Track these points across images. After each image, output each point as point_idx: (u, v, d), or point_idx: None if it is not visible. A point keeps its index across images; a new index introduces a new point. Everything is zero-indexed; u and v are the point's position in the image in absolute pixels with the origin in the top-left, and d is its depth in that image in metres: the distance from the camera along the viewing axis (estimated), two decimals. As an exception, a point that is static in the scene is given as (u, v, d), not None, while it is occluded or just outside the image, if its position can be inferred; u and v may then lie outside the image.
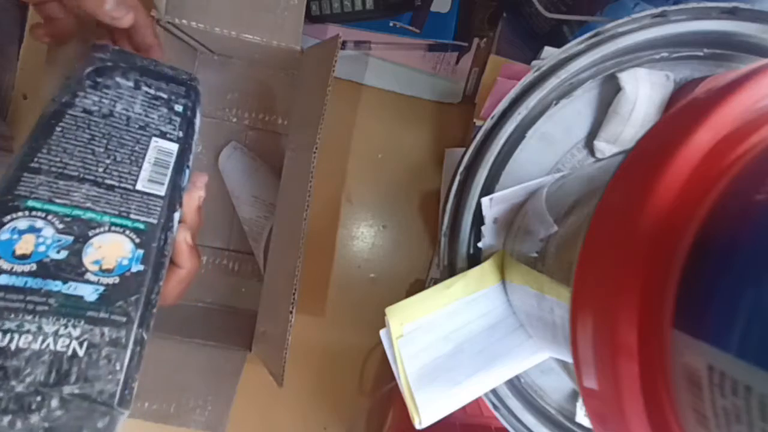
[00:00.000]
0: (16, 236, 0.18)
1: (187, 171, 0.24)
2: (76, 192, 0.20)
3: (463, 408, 0.26)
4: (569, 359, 0.21)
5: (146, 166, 0.22)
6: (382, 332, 0.26)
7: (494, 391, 0.29)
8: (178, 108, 0.25)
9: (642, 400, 0.12)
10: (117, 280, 0.19)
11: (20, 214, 0.19)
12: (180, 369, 0.42)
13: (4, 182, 0.19)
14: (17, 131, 0.48)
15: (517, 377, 0.29)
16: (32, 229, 0.19)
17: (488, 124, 0.29)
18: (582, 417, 0.29)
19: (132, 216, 0.21)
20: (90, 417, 0.17)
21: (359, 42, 0.49)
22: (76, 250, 0.19)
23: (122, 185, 0.21)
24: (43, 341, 0.17)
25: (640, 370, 0.12)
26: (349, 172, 0.52)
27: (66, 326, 0.18)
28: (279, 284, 0.39)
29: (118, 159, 0.22)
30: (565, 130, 0.30)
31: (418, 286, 0.52)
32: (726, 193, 0.12)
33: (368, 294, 0.52)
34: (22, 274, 0.18)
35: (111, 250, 0.20)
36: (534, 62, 0.33)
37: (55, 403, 0.17)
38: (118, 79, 0.24)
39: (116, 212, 0.21)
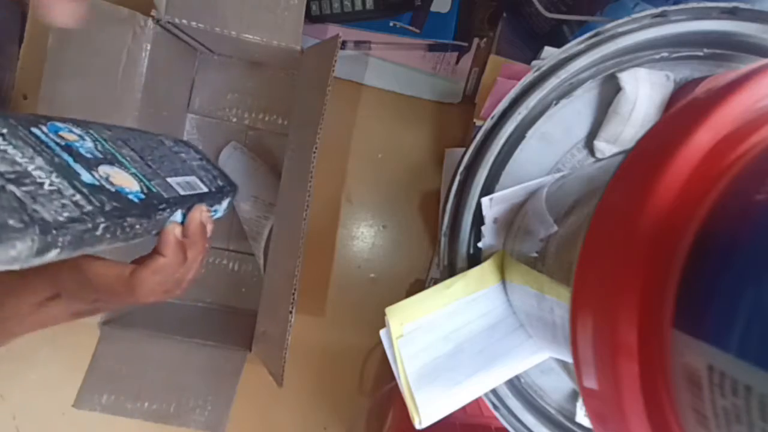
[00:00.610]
0: (67, 129, 0.23)
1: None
2: (125, 150, 0.26)
3: (463, 408, 0.26)
4: (569, 359, 0.21)
5: (179, 178, 0.28)
6: (382, 332, 0.26)
7: (494, 391, 0.29)
8: (219, 182, 0.32)
9: (642, 400, 0.12)
10: (112, 189, 0.22)
11: (80, 128, 0.24)
12: (180, 369, 0.42)
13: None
14: (17, 131, 0.48)
15: (517, 377, 0.29)
16: (80, 137, 0.23)
17: (488, 124, 0.29)
18: (582, 417, 0.29)
19: (152, 182, 0.25)
20: (8, 219, 0.17)
21: (359, 42, 0.49)
22: (97, 161, 0.23)
23: (157, 171, 0.27)
24: (27, 162, 0.19)
25: (640, 370, 0.12)
26: (349, 172, 0.52)
27: (51, 172, 0.19)
28: (279, 284, 0.39)
29: (164, 164, 0.28)
30: (565, 130, 0.30)
31: (418, 286, 0.52)
32: (726, 193, 0.12)
33: (368, 294, 0.52)
34: (49, 139, 0.21)
35: (122, 179, 0.23)
36: (534, 62, 0.33)
37: None
38: (192, 149, 0.33)
39: (142, 173, 0.25)
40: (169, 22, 0.39)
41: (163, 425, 0.41)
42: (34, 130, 0.21)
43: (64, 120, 0.24)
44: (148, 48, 0.40)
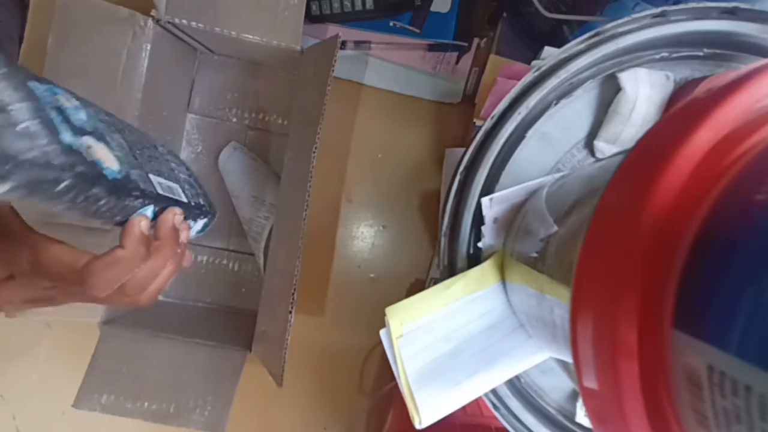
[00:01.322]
0: (65, 95, 0.22)
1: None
2: (116, 135, 0.25)
3: (463, 408, 0.26)
4: (569, 359, 0.21)
5: (162, 179, 0.27)
6: (382, 332, 0.26)
7: (494, 391, 0.29)
8: (200, 201, 0.31)
9: (642, 400, 0.12)
10: (89, 159, 0.21)
11: (80, 101, 0.23)
12: (180, 369, 0.42)
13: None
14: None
15: (517, 377, 0.29)
16: (76, 107, 0.22)
17: (488, 124, 0.29)
18: (582, 417, 0.29)
19: (132, 171, 0.24)
20: None
21: (359, 42, 0.49)
22: (84, 132, 0.22)
23: (141, 164, 0.26)
24: (9, 100, 0.18)
25: (640, 370, 0.12)
26: (349, 172, 0.52)
27: (31, 119, 0.18)
28: (279, 284, 0.39)
29: (151, 162, 0.27)
30: (565, 130, 0.30)
31: (418, 286, 0.52)
32: (726, 193, 0.12)
33: (368, 294, 0.52)
34: (42, 95, 0.20)
35: (103, 155, 0.22)
36: (534, 62, 0.33)
37: None
38: (183, 165, 0.33)
39: (126, 160, 0.24)
40: (169, 22, 0.39)
41: (163, 425, 0.41)
42: (31, 83, 0.20)
43: (67, 90, 0.23)
44: (148, 48, 0.40)
